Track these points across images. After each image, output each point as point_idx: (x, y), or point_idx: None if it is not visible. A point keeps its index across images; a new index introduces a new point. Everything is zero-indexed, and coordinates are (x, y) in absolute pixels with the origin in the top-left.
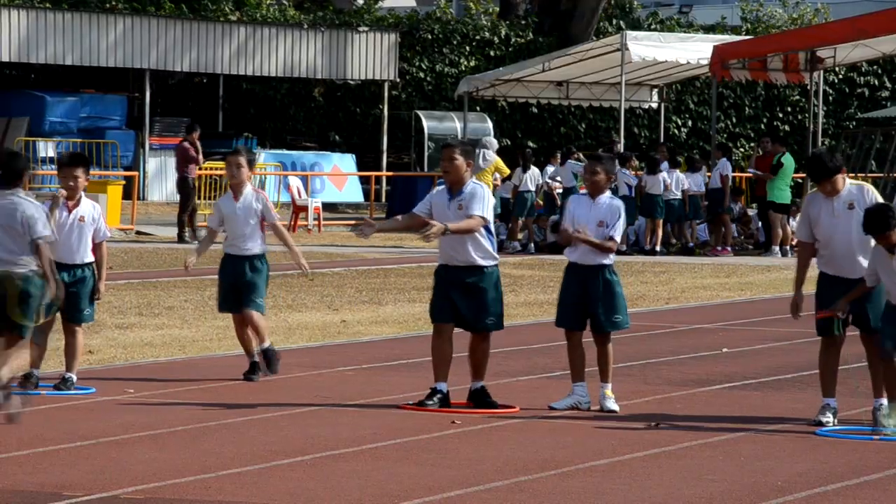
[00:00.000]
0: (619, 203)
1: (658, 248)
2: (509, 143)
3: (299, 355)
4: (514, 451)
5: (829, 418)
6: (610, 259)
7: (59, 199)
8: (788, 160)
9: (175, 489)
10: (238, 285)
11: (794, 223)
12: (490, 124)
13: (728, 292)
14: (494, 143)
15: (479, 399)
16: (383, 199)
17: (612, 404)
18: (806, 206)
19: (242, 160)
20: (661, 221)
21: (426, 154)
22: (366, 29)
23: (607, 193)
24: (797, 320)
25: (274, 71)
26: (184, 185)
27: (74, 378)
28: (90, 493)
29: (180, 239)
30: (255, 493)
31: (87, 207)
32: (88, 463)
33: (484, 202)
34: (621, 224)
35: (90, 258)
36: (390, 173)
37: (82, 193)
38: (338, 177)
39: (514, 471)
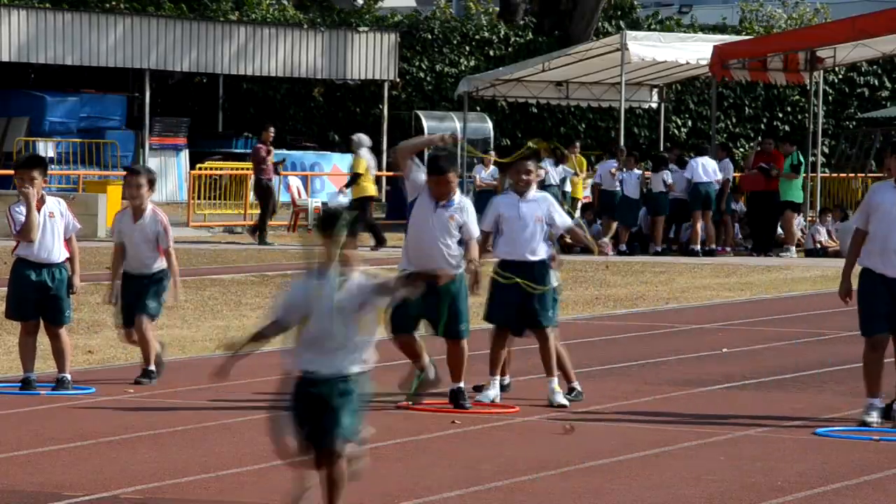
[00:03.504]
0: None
1: (659, 247)
2: (509, 142)
3: None
4: (514, 452)
5: (874, 418)
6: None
7: (30, 197)
8: (802, 159)
9: (175, 489)
10: (133, 302)
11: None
12: (490, 124)
13: (728, 292)
14: (365, 139)
15: (455, 399)
16: (383, 200)
17: (560, 398)
18: (870, 193)
19: (143, 180)
20: (661, 219)
21: (426, 154)
22: (366, 29)
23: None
24: (847, 304)
25: (274, 71)
26: (257, 188)
27: (69, 377)
28: (90, 494)
29: (261, 241)
30: (254, 494)
31: (53, 204)
32: (88, 463)
33: (473, 216)
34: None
35: (66, 254)
36: (390, 173)
37: (44, 193)
38: (338, 177)
39: (513, 471)
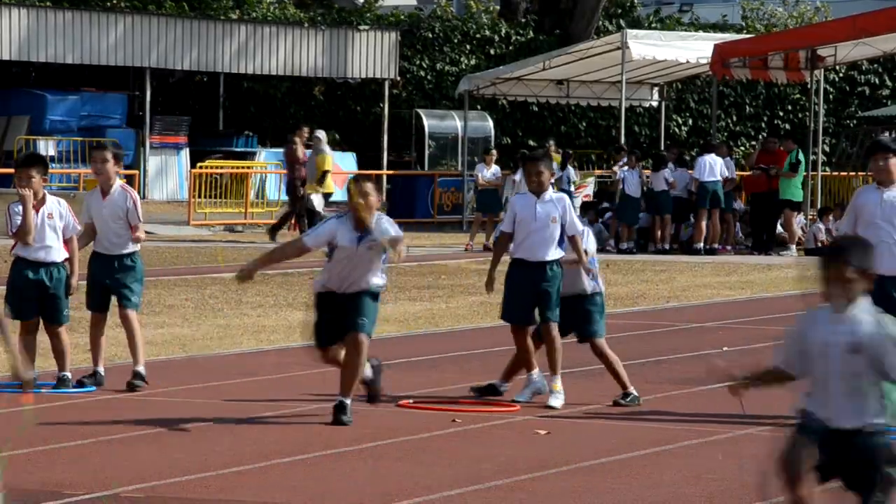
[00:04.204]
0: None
1: (666, 245)
2: (510, 141)
3: (300, 354)
4: (514, 451)
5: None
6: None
7: (27, 198)
8: (802, 157)
9: (175, 487)
10: (103, 285)
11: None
12: (490, 123)
13: (729, 291)
14: (325, 135)
15: (335, 413)
16: (384, 198)
17: (552, 400)
18: (854, 197)
19: (108, 155)
20: (669, 217)
21: (427, 153)
22: (366, 27)
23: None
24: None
25: (274, 69)
26: (290, 188)
27: (70, 375)
28: (91, 492)
29: (272, 238)
30: (255, 492)
31: (52, 205)
32: (89, 461)
33: (388, 225)
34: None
35: (64, 255)
36: (391, 172)
37: (45, 192)
38: (338, 175)
39: (513, 470)
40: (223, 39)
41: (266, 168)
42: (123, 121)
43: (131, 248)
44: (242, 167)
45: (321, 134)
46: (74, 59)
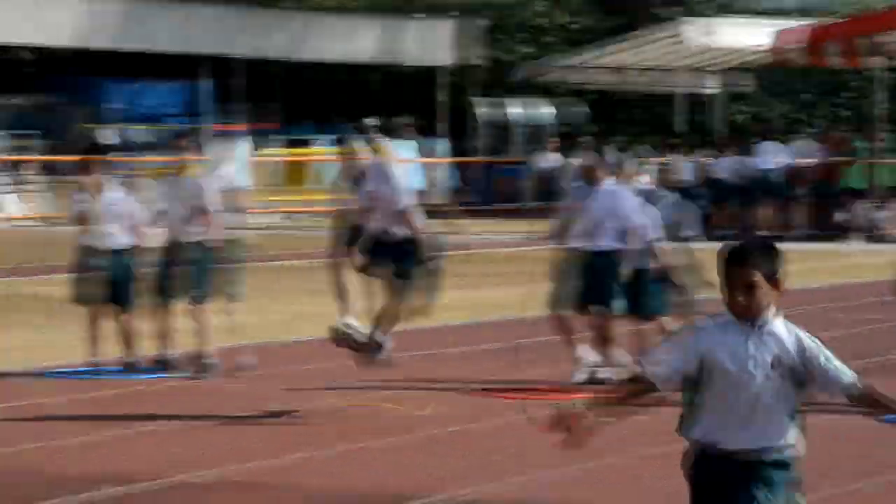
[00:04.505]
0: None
1: (731, 231)
2: (568, 128)
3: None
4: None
5: None
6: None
7: (88, 186)
8: (863, 144)
9: (240, 473)
10: (174, 276)
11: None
12: (549, 111)
13: (789, 279)
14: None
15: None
16: (466, 185)
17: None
18: None
19: (188, 144)
20: (733, 204)
21: (484, 141)
22: (422, 15)
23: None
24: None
25: (331, 57)
26: None
27: (138, 360)
28: (158, 478)
29: None
30: (319, 478)
31: (115, 192)
32: (150, 448)
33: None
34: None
35: (129, 241)
36: (448, 160)
37: (107, 180)
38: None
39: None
40: (280, 28)
41: (324, 156)
42: (183, 109)
43: (201, 237)
44: (302, 156)
45: (372, 122)
46: (133, 46)
